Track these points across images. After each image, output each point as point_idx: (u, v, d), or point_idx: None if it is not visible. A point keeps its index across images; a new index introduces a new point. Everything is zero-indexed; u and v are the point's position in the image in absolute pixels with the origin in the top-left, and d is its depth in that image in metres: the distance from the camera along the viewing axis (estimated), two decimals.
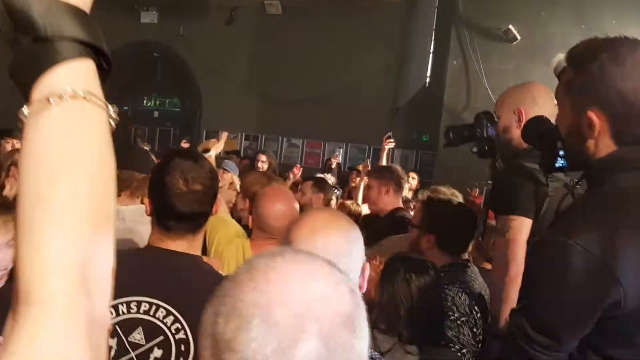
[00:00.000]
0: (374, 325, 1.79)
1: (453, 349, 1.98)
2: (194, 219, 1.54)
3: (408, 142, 8.50)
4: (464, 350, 2.00)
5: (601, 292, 1.22)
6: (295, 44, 9.54)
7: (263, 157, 6.48)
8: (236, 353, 0.64)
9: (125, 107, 12.02)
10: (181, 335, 1.43)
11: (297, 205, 2.37)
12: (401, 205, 3.72)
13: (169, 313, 1.45)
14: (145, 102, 12.07)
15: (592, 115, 1.30)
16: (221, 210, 2.36)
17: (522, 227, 1.95)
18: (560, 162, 1.46)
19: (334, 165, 7.42)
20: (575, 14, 5.92)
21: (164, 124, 11.81)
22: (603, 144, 1.32)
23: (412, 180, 6.23)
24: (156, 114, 11.90)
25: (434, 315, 1.90)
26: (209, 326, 0.68)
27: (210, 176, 1.58)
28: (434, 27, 6.00)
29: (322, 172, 6.94)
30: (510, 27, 5.67)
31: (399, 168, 3.76)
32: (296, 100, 9.48)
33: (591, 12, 5.89)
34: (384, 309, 1.84)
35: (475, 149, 2.28)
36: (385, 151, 4.70)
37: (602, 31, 1.87)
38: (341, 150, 9.49)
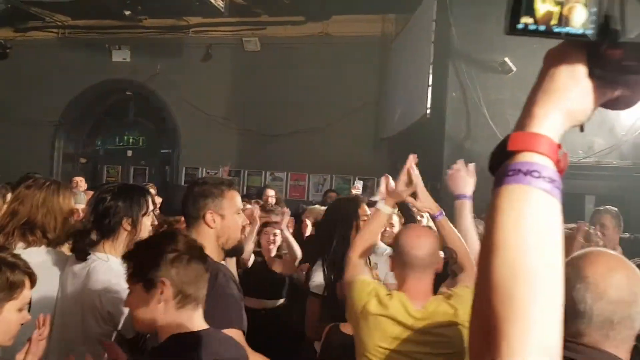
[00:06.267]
0: None
1: None
2: None
3: (392, 171, 8.67)
4: None
5: None
6: (274, 79, 9.67)
7: (271, 192, 6.55)
8: None
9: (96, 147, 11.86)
10: None
11: None
12: None
13: None
14: (117, 141, 11.88)
15: None
16: None
17: None
18: None
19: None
20: None
21: (138, 163, 11.64)
22: None
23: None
24: (129, 152, 11.72)
25: None
26: None
27: None
28: (431, 61, 6.27)
29: (311, 204, 7.01)
30: (506, 59, 5.99)
31: None
32: (278, 134, 9.58)
33: None
34: None
35: None
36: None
37: None
38: (326, 181, 9.62)
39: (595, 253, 1.44)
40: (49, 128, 10.88)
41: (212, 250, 2.24)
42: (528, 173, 0.69)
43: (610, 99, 0.75)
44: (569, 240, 3.20)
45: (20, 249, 2.54)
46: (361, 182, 7.32)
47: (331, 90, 9.37)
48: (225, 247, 2.32)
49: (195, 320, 1.87)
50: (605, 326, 1.32)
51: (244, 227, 2.41)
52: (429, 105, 6.25)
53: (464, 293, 2.24)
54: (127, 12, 9.46)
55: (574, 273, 1.36)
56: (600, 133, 6.30)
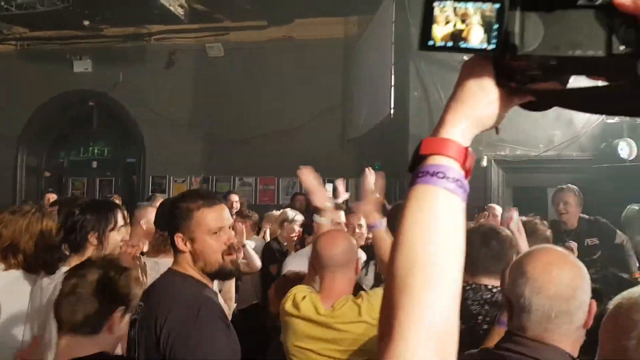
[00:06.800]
0: None
1: None
2: None
3: (360, 171, 8.75)
4: None
5: None
6: (239, 84, 9.66)
7: (236, 198, 6.55)
8: None
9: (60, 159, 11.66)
10: None
11: None
12: None
13: None
14: (82, 152, 11.71)
15: None
16: None
17: None
18: None
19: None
20: None
21: (103, 174, 11.50)
22: None
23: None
24: (94, 164, 11.56)
25: None
26: None
27: None
28: (392, 62, 6.36)
29: (279, 209, 6.99)
30: (465, 57, 6.12)
31: None
32: (245, 138, 9.57)
33: None
34: None
35: None
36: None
37: None
38: (296, 184, 9.65)
39: (538, 250, 1.50)
40: (11, 142, 10.68)
41: (196, 274, 2.11)
42: (434, 174, 0.75)
43: (524, 103, 0.82)
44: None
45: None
46: (330, 184, 7.34)
47: (297, 93, 9.42)
48: (206, 271, 2.11)
49: (75, 348, 1.70)
50: (544, 320, 1.37)
51: (230, 247, 2.12)
52: (392, 105, 6.34)
53: (373, 294, 2.37)
54: (86, 22, 9.36)
55: (518, 269, 1.43)
56: (559, 126, 6.47)
